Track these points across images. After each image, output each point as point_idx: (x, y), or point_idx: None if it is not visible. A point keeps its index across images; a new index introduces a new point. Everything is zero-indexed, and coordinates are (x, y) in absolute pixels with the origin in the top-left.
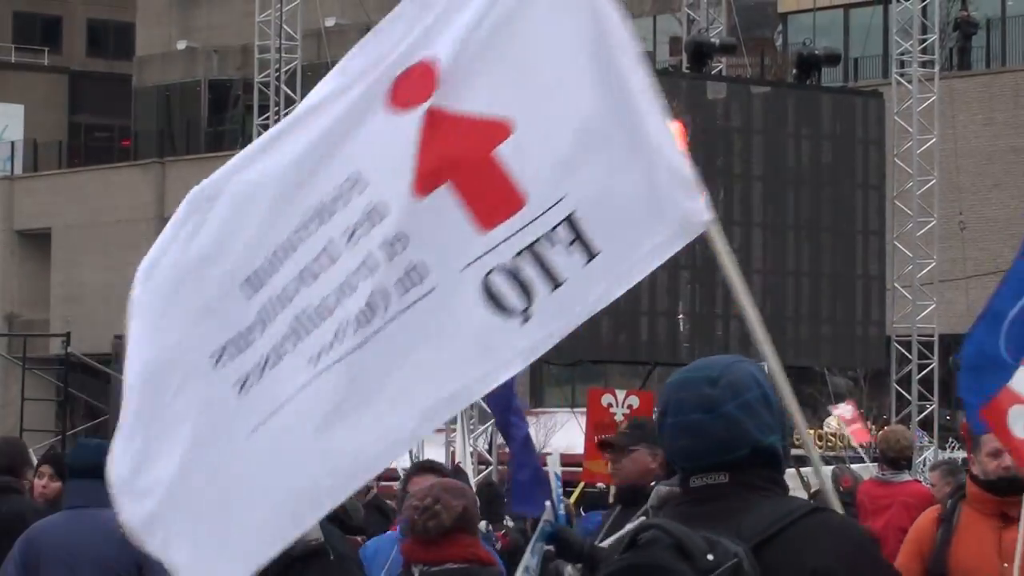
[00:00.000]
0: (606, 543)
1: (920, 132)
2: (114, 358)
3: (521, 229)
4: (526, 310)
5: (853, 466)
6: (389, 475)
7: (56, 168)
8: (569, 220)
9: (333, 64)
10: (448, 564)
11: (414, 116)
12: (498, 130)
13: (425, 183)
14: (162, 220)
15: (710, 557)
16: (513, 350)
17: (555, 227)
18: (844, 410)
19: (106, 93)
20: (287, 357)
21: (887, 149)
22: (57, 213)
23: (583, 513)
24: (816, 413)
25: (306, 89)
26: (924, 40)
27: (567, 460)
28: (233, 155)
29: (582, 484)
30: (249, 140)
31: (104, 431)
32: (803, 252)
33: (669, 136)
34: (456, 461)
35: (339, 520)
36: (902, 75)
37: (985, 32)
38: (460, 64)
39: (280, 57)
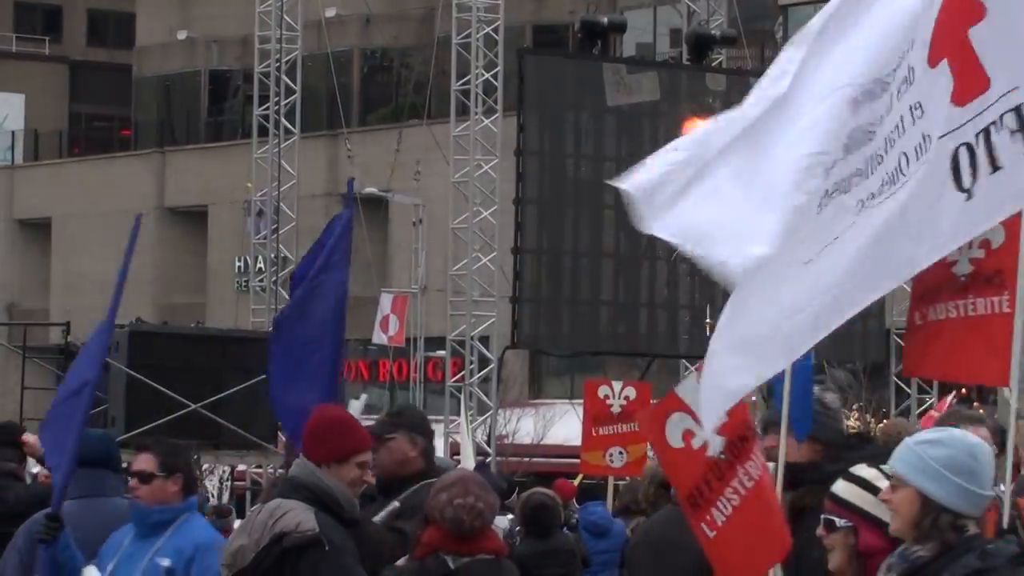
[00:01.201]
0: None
1: None
2: (113, 347)
3: (984, 110)
4: (970, 188)
5: None
6: None
7: (56, 158)
8: (1017, 110)
9: (333, 55)
10: (480, 555)
11: None
12: (974, 11)
13: (935, 54)
14: (162, 210)
15: None
16: (956, 225)
17: (1004, 114)
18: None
19: (106, 83)
20: (847, 193)
21: None
22: (57, 202)
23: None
24: None
25: (306, 79)
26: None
27: (566, 452)
28: (233, 145)
29: (581, 475)
30: (249, 131)
31: (103, 420)
32: None
33: None
34: (454, 456)
35: (333, 511)
36: None
37: None
38: None
39: (280, 47)
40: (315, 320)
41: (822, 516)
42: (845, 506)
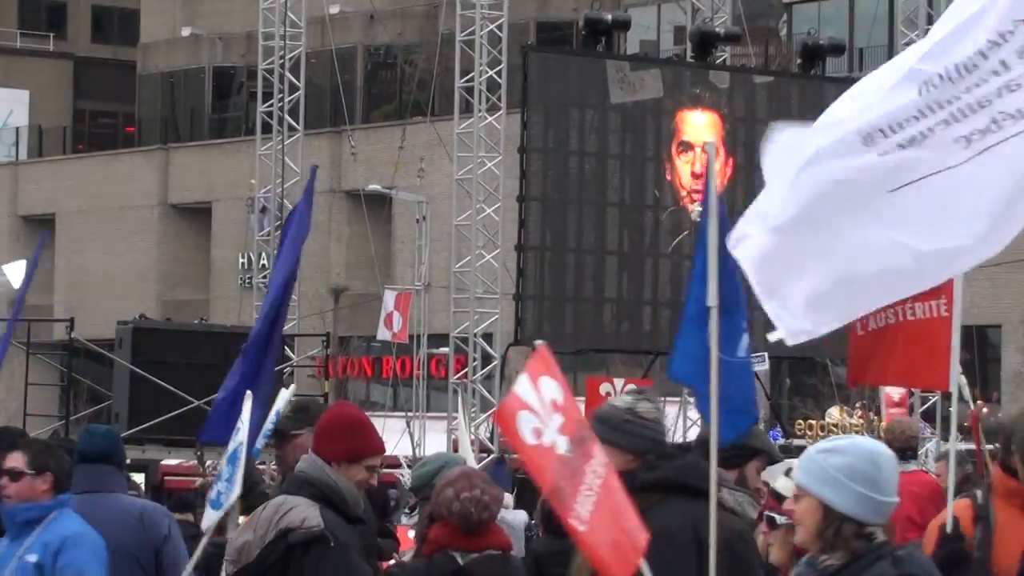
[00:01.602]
0: None
1: None
2: (117, 343)
3: None
4: None
5: None
6: (390, 462)
7: (60, 154)
8: None
9: (337, 51)
10: (488, 551)
11: None
12: None
13: None
14: (166, 206)
15: None
16: None
17: None
18: (893, 392)
19: (110, 79)
20: (932, 136)
21: None
22: (61, 199)
23: None
24: (818, 404)
25: (310, 76)
26: (929, 30)
27: None
28: (236, 142)
29: None
30: (252, 128)
31: (107, 416)
32: None
33: None
34: (457, 451)
35: (338, 508)
36: None
37: None
38: None
39: (284, 44)
40: (262, 317)
41: (764, 513)
42: (785, 503)
